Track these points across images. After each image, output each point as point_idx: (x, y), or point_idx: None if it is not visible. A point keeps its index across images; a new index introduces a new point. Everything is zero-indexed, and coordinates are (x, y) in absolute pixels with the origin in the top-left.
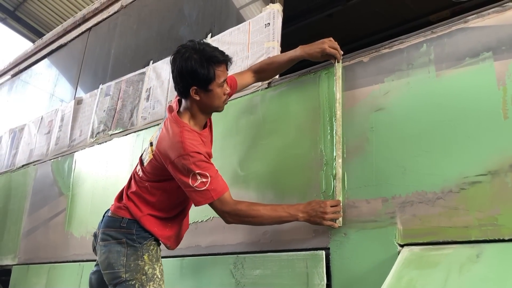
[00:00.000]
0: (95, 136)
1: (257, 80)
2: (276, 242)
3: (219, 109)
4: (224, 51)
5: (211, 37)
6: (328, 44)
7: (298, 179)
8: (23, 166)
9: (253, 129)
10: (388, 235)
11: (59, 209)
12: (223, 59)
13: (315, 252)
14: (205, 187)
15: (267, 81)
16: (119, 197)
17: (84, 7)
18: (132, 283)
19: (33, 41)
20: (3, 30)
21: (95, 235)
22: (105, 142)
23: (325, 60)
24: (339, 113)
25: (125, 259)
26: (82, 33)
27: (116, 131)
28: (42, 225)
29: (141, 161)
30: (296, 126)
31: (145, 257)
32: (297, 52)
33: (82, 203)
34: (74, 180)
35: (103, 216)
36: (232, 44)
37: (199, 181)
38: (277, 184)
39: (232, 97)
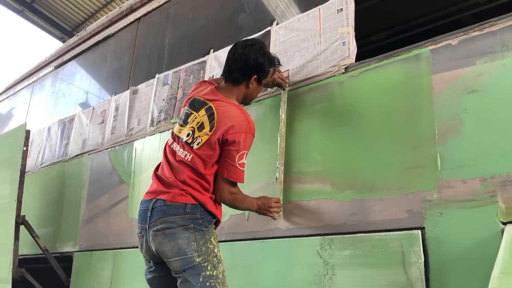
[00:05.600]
0: (156, 125)
1: None
2: (365, 223)
3: (250, 102)
4: (294, 37)
5: (277, 24)
6: (277, 75)
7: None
8: (76, 156)
9: (329, 113)
10: (489, 213)
11: (121, 197)
12: (278, 65)
13: (410, 231)
14: (243, 168)
15: (344, 66)
16: (167, 184)
17: None
18: (205, 265)
19: (51, 33)
20: (21, 23)
21: (143, 234)
22: (168, 130)
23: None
24: (283, 130)
25: (195, 244)
26: (131, 23)
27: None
28: (103, 213)
29: (187, 146)
30: (383, 111)
31: (212, 239)
32: None
33: (146, 190)
34: (136, 168)
35: (152, 209)
36: (301, 31)
37: (242, 161)
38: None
39: (306, 82)
